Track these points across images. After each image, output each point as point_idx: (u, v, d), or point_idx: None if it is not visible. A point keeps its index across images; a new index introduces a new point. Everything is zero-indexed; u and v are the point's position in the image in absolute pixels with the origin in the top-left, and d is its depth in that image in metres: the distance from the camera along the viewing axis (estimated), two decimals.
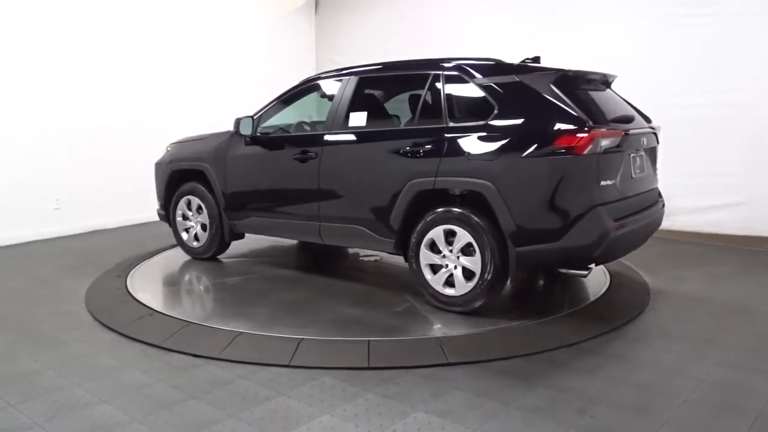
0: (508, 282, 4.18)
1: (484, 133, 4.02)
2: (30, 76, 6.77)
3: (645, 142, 4.32)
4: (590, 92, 4.28)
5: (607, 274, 5.07)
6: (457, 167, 4.08)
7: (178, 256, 6.09)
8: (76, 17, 7.17)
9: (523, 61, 4.45)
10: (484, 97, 4.10)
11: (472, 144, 4.05)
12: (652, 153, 4.55)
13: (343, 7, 9.96)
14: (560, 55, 6.88)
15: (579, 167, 3.77)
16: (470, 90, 4.21)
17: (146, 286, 4.96)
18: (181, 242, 6.00)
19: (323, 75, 5.32)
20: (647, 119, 4.62)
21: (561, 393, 3.07)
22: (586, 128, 3.74)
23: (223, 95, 8.59)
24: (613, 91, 4.60)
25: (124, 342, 3.84)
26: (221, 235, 5.67)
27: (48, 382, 3.25)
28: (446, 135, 4.18)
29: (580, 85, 4.21)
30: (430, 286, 4.28)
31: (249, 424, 2.79)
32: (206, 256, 5.81)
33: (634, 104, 4.63)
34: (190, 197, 5.81)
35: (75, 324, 4.18)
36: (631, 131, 4.14)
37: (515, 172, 3.89)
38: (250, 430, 2.75)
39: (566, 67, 4.23)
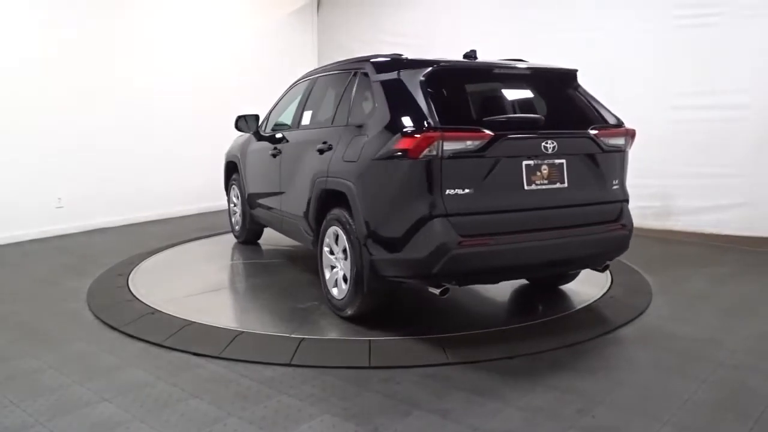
0: (365, 290, 3.82)
1: (358, 133, 3.92)
2: (33, 75, 6.78)
3: (554, 149, 3.61)
4: (494, 88, 4.01)
5: (608, 274, 5.06)
6: (338, 167, 4.04)
7: (179, 254, 6.13)
8: (80, 18, 7.18)
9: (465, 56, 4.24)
10: (372, 95, 3.96)
11: (350, 144, 3.96)
12: (589, 162, 3.83)
13: (345, 7, 9.97)
14: (563, 56, 6.90)
15: (415, 172, 3.40)
16: (368, 88, 4.10)
17: (148, 284, 4.96)
18: (231, 226, 6.72)
19: (307, 75, 5.47)
20: (615, 123, 3.98)
21: (562, 393, 3.07)
22: (421, 129, 3.40)
23: (226, 95, 8.60)
24: (575, 89, 4.13)
25: (125, 341, 3.85)
26: (245, 223, 6.25)
27: (50, 381, 3.26)
28: (342, 135, 4.13)
29: (466, 81, 3.92)
30: (326, 285, 4.27)
31: (250, 423, 2.79)
32: (240, 240, 6.53)
33: (601, 103, 4.13)
34: (235, 186, 6.49)
35: (76, 323, 4.19)
36: (519, 135, 3.60)
37: (367, 175, 3.71)
38: (251, 429, 2.75)
39: (455, 59, 4.01)
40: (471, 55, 4.20)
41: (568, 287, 4.75)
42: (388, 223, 3.61)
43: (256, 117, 5.82)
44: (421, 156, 3.36)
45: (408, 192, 3.47)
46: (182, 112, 8.27)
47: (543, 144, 3.61)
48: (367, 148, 3.74)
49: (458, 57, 4.22)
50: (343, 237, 3.99)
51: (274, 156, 5.24)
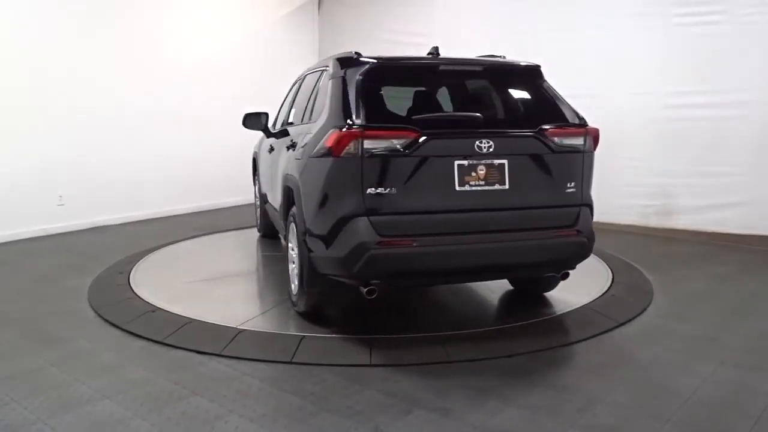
0: (305, 288, 3.87)
1: (308, 131, 3.94)
2: (34, 73, 6.77)
3: (489, 148, 3.43)
4: (438, 85, 3.99)
5: (610, 272, 5.07)
6: (292, 164, 4.10)
7: (180, 252, 6.13)
8: (80, 18, 7.16)
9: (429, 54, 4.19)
10: (325, 93, 3.93)
11: (302, 142, 3.99)
12: (536, 163, 3.60)
13: (346, 5, 9.95)
14: (563, 55, 6.90)
15: (337, 170, 3.42)
16: (326, 87, 4.06)
17: (149, 282, 4.97)
18: (255, 219, 6.98)
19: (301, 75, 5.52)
20: (576, 122, 3.71)
21: (562, 391, 3.07)
22: (343, 127, 3.39)
23: (227, 94, 8.62)
24: (539, 86, 3.89)
25: (126, 338, 3.85)
26: (262, 217, 6.51)
27: (51, 379, 3.26)
28: (301, 133, 4.16)
29: (408, 78, 3.93)
30: (289, 280, 4.30)
31: (251, 420, 2.80)
32: (260, 234, 6.81)
33: (565, 101, 3.84)
34: (257, 181, 6.79)
35: (78, 321, 4.20)
36: (447, 133, 3.51)
37: (306, 173, 3.77)
38: (252, 426, 2.75)
39: (402, 56, 4.02)
40: (433, 52, 4.12)
41: (569, 285, 4.75)
42: (319, 220, 3.60)
43: (261, 114, 5.71)
44: (342, 154, 3.36)
45: (332, 190, 3.49)
46: (182, 111, 8.26)
47: (476, 143, 3.45)
48: (309, 146, 3.77)
49: (459, 55, 4.19)
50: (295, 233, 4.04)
51: (270, 153, 5.42)
